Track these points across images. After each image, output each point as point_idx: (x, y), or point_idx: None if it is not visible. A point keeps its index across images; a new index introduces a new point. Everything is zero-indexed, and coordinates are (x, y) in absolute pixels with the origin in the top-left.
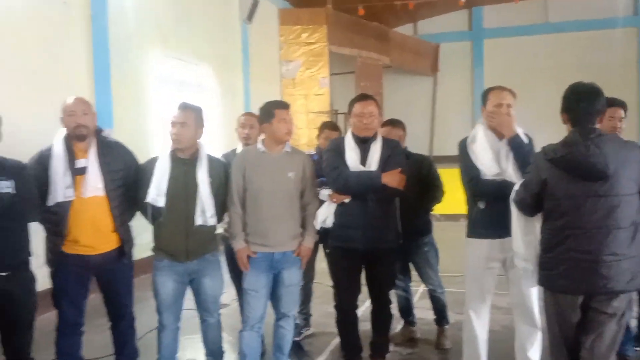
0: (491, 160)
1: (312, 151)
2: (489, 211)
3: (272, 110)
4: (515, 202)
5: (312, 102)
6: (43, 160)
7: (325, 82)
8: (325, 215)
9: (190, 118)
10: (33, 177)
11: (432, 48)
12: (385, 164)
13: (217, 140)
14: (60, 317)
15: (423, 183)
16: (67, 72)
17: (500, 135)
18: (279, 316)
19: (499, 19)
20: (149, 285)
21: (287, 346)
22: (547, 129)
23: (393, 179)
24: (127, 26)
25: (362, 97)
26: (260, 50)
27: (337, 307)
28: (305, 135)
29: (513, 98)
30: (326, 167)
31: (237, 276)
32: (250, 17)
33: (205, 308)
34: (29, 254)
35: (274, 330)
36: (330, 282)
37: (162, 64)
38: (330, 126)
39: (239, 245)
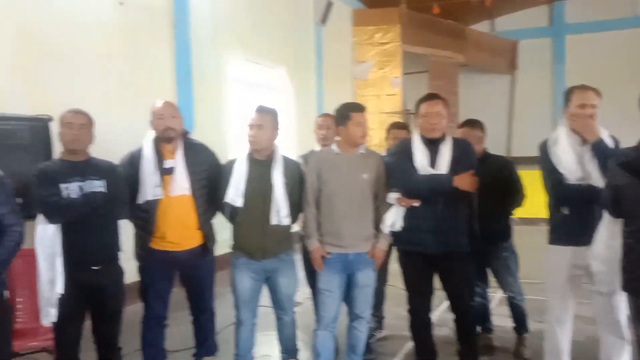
0: (574, 164)
1: (383, 152)
2: (573, 217)
3: (348, 113)
4: (602, 205)
5: (384, 102)
6: (133, 161)
7: (398, 82)
8: (393, 219)
9: (267, 120)
10: (124, 177)
11: (510, 45)
12: (456, 165)
13: (292, 141)
14: (146, 310)
15: (503, 186)
16: (153, 76)
17: (583, 139)
18: (353, 317)
19: (582, 13)
20: (227, 281)
21: (360, 348)
22: (635, 131)
23: (465, 182)
24: (207, 32)
25: (429, 97)
26: (333, 52)
27: (410, 310)
28: (377, 135)
29: (598, 98)
30: (394, 170)
31: (311, 275)
32: (324, 19)
33: (281, 306)
34: (118, 249)
35: (347, 331)
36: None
37: (240, 67)
38: (397, 125)
39: (313, 245)
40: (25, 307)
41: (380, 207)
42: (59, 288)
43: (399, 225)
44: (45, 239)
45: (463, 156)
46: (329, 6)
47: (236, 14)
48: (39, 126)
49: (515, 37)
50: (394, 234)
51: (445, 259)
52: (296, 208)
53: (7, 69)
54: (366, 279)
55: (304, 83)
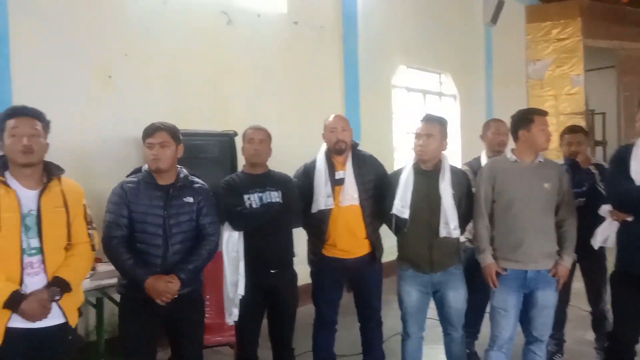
0: None
1: (561, 161)
2: None
3: (532, 116)
4: None
5: (563, 103)
6: (307, 173)
7: (579, 80)
8: (605, 235)
9: (436, 130)
10: (298, 187)
11: None
12: None
13: (458, 148)
14: (317, 314)
15: None
16: (323, 91)
17: None
18: (530, 340)
19: None
20: (394, 289)
21: None
22: None
23: None
24: (374, 43)
25: None
26: (505, 52)
27: (613, 336)
28: (554, 140)
29: None
30: (607, 179)
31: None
32: (494, 19)
33: (449, 321)
34: (293, 254)
35: (523, 354)
36: (587, 307)
37: (405, 75)
38: (570, 130)
39: (487, 260)
40: (213, 304)
41: (565, 222)
42: (241, 290)
43: (611, 241)
44: (231, 244)
45: None
46: (500, 5)
47: (403, 23)
48: (225, 141)
49: None
50: (599, 251)
51: None
52: (464, 219)
53: (199, 90)
54: (547, 299)
55: (471, 87)
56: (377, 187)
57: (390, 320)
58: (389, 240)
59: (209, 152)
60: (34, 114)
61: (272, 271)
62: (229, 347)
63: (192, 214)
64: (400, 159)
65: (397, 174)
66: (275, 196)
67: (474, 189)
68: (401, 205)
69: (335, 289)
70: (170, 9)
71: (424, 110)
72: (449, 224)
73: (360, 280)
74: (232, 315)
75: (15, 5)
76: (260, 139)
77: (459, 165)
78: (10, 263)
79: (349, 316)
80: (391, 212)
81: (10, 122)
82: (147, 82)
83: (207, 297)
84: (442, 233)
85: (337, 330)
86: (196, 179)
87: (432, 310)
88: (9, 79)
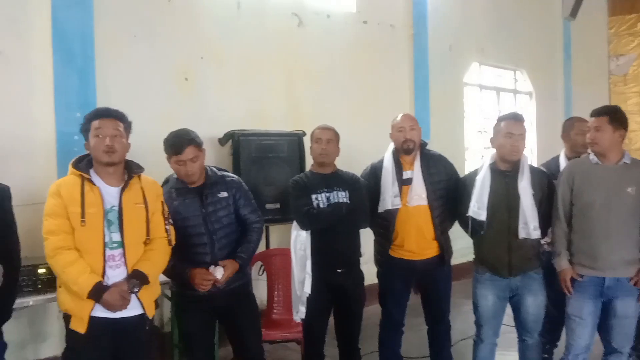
0: None
1: None
2: None
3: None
4: None
5: None
6: (375, 172)
7: None
8: None
9: (525, 129)
10: (365, 187)
11: None
12: None
13: (533, 147)
14: (384, 315)
15: None
16: (392, 90)
17: None
18: (608, 350)
19: None
20: (463, 292)
21: None
22: None
23: None
24: (445, 40)
25: None
26: (585, 47)
27: None
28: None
29: None
30: None
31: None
32: (574, 12)
33: (525, 327)
34: (360, 254)
35: None
36: None
37: (478, 73)
38: None
39: (562, 265)
40: (281, 300)
41: None
42: (308, 288)
43: None
44: (298, 243)
45: None
46: None
47: (476, 19)
48: (294, 140)
49: None
50: None
51: None
52: (545, 221)
53: (271, 91)
54: (627, 308)
55: (548, 84)
56: (447, 188)
57: (459, 324)
58: (458, 242)
59: (278, 151)
60: (116, 116)
61: (339, 270)
62: (296, 343)
63: (230, 207)
64: (472, 158)
65: (473, 175)
66: (342, 196)
67: None
68: (478, 207)
69: (402, 290)
70: (244, 12)
71: (497, 109)
72: (529, 224)
73: (429, 282)
74: (300, 312)
75: (100, 11)
76: (328, 138)
77: (535, 165)
78: (94, 256)
79: (417, 317)
80: (467, 215)
81: (95, 123)
82: (222, 83)
83: (275, 293)
84: (522, 234)
85: (404, 332)
86: (226, 173)
87: (507, 316)
88: (94, 82)
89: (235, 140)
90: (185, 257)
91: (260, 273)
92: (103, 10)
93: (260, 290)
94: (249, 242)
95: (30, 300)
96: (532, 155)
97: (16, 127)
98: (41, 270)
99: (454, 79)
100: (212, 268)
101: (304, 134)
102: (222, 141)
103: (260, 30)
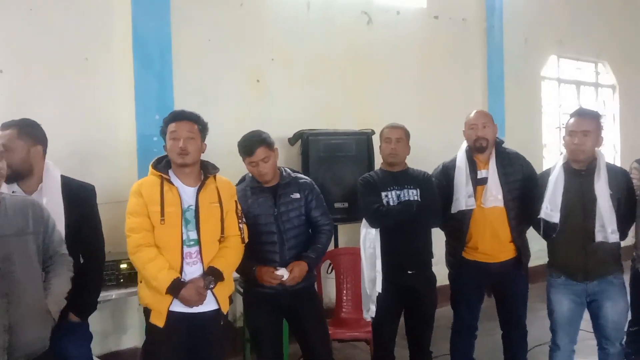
0: None
1: None
2: None
3: None
4: None
5: None
6: (446, 171)
7: None
8: None
9: (592, 126)
10: (437, 186)
11: None
12: None
13: (617, 143)
14: (456, 318)
15: None
16: (464, 86)
17: None
18: None
19: None
20: (539, 295)
21: None
22: None
23: None
24: (520, 33)
25: None
26: None
27: None
28: None
29: None
30: None
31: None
32: None
33: (605, 335)
34: (431, 255)
35: None
36: None
37: (556, 67)
38: None
39: None
40: (350, 299)
41: None
42: (378, 287)
43: None
44: (368, 241)
45: None
46: None
47: (554, 10)
48: (362, 139)
49: None
50: None
51: None
52: (626, 223)
53: (340, 90)
54: None
55: (633, 77)
56: (523, 188)
57: (536, 330)
58: (536, 244)
59: (346, 150)
60: (190, 118)
61: (409, 272)
62: (365, 342)
63: (301, 208)
64: (550, 156)
65: (546, 175)
66: (413, 194)
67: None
68: (550, 208)
69: (476, 293)
70: (313, 13)
71: (578, 103)
72: (606, 227)
73: (504, 285)
74: (370, 311)
75: (176, 18)
76: (397, 137)
77: (618, 162)
78: (173, 253)
79: (491, 321)
80: (539, 217)
81: (171, 126)
82: (291, 84)
83: (344, 292)
84: (598, 237)
85: (477, 336)
86: (299, 175)
87: (586, 322)
88: (171, 86)
89: (304, 140)
90: (254, 254)
91: (329, 272)
92: (179, 17)
93: (328, 288)
94: (318, 244)
95: (112, 294)
96: (615, 153)
97: (101, 130)
98: (123, 266)
99: (531, 73)
100: (279, 270)
101: (372, 132)
102: (292, 141)
103: (329, 30)
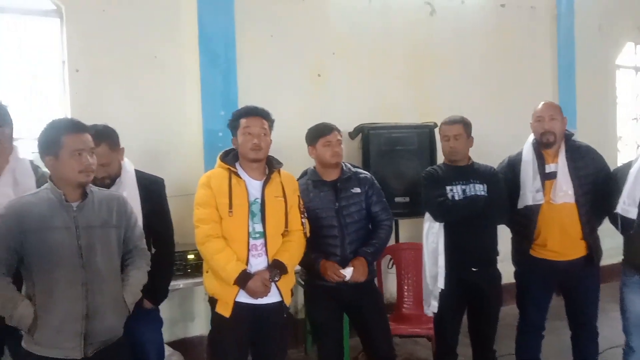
0: None
1: None
2: None
3: None
4: None
5: None
6: (512, 165)
7: None
8: None
9: None
10: (503, 181)
11: None
12: None
13: None
14: (522, 317)
15: None
16: (531, 76)
17: None
18: None
19: None
20: (611, 295)
21: None
22: None
23: None
24: (593, 19)
25: None
26: None
27: None
28: None
29: None
30: None
31: None
32: None
33: None
34: (496, 252)
35: None
36: None
37: (633, 54)
38: None
39: None
40: (411, 295)
41: None
42: (440, 283)
43: None
44: (431, 235)
45: None
46: None
47: None
48: (424, 133)
49: None
50: None
51: None
52: None
53: (405, 83)
54: None
55: None
56: (596, 183)
57: (608, 331)
58: (609, 241)
59: (408, 144)
60: (262, 114)
61: (473, 269)
62: (427, 339)
63: (362, 203)
64: (626, 150)
65: (626, 168)
66: (480, 189)
67: None
68: (627, 203)
69: (543, 292)
70: (374, 6)
71: None
72: None
73: (574, 284)
74: (431, 306)
75: (240, 14)
76: (455, 134)
77: None
78: (239, 244)
79: (559, 320)
80: (615, 212)
81: (243, 121)
82: (353, 78)
83: (405, 287)
84: None
85: (544, 336)
86: (360, 170)
87: None
88: (235, 81)
89: (365, 134)
90: (316, 248)
91: (390, 267)
92: (243, 13)
93: (389, 283)
94: (377, 239)
95: (180, 283)
96: None
97: (170, 126)
98: (190, 256)
99: (605, 61)
100: (345, 270)
101: (435, 125)
102: (352, 135)
103: (390, 23)
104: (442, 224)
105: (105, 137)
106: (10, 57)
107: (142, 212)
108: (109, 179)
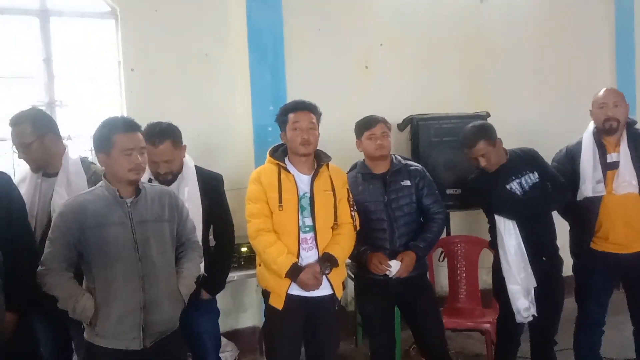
0: None
1: None
2: None
3: None
4: None
5: None
6: (571, 155)
7: None
8: None
9: None
10: (560, 172)
11: None
12: None
13: None
14: (581, 312)
15: None
16: (589, 62)
17: None
18: None
19: None
20: None
21: None
22: None
23: None
24: None
25: None
26: None
27: None
28: None
29: None
30: None
31: None
32: None
33: None
34: (556, 245)
35: None
36: None
37: None
38: None
39: None
40: (464, 288)
41: None
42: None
43: None
44: (508, 235)
45: None
46: None
47: None
48: None
49: None
50: None
51: None
52: None
53: (454, 73)
54: None
55: None
56: None
57: None
58: None
59: (459, 135)
60: (310, 108)
61: (543, 258)
62: (480, 333)
63: (412, 196)
64: None
65: None
66: (534, 177)
67: None
68: None
69: (604, 286)
70: None
71: None
72: None
73: (637, 278)
74: (530, 310)
75: (288, 9)
76: (483, 153)
77: None
78: (290, 238)
79: (620, 315)
80: None
81: (292, 116)
82: (400, 68)
83: (458, 281)
84: None
85: (604, 332)
86: (410, 162)
87: None
88: (284, 76)
89: (414, 125)
90: (365, 241)
91: (441, 260)
92: (290, 8)
93: (440, 276)
94: (429, 233)
95: (234, 275)
96: None
97: (221, 122)
98: (243, 249)
99: None
100: (392, 262)
101: (488, 115)
102: (401, 127)
103: (439, 11)
104: (514, 221)
105: (169, 134)
106: (68, 59)
107: (202, 207)
108: (172, 175)
